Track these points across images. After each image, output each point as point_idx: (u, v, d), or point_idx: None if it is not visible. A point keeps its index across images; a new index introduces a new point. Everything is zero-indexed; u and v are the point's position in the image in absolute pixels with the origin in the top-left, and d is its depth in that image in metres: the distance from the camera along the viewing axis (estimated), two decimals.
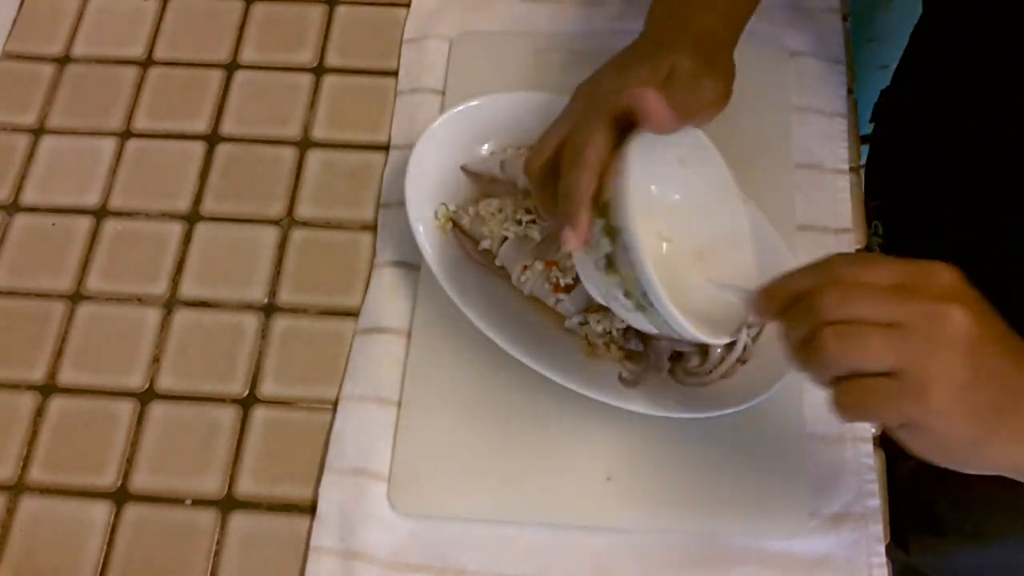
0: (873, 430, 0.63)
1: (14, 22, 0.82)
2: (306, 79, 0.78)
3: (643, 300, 0.49)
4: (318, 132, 0.76)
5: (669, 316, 0.49)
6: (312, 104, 0.77)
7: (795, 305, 0.45)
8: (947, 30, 0.69)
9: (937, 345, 0.42)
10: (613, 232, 0.49)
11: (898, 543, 0.78)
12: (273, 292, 0.70)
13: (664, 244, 0.59)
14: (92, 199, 0.74)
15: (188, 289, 0.70)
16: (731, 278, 0.55)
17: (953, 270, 0.44)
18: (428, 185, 0.67)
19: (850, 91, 0.75)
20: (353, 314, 0.68)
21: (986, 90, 0.64)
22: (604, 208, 0.49)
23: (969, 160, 0.68)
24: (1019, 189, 0.61)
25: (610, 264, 0.50)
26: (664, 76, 0.53)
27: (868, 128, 0.82)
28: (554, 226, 0.53)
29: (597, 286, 0.52)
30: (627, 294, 0.50)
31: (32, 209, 0.74)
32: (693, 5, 0.59)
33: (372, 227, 0.71)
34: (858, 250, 0.69)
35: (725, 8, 0.60)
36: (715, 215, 0.58)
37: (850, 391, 0.44)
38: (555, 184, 0.52)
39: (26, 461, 0.65)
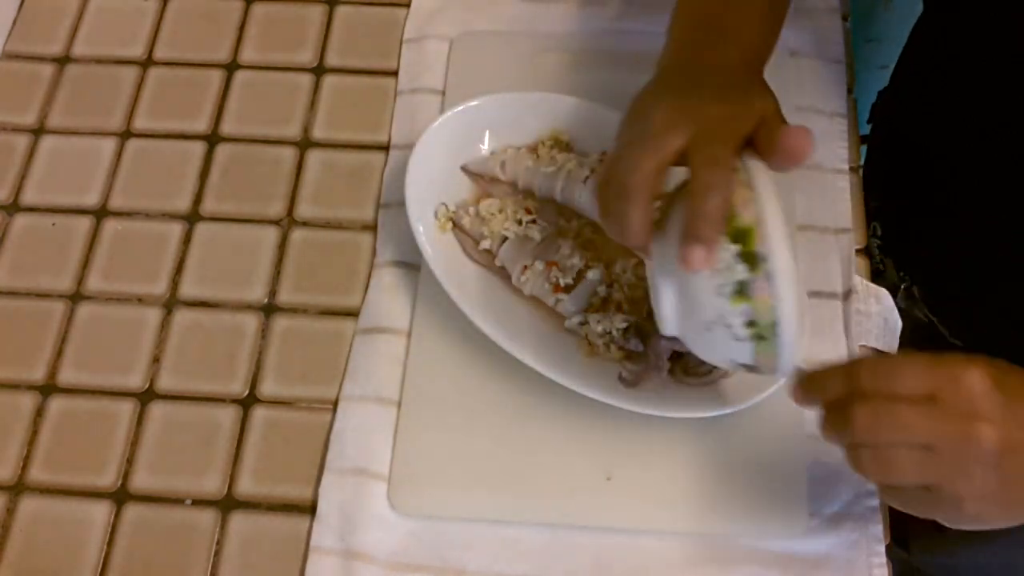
0: None
1: (14, 22, 0.82)
2: (306, 79, 0.78)
3: (767, 331, 0.49)
4: (318, 132, 0.76)
5: (788, 352, 0.49)
6: (312, 104, 0.77)
7: (831, 411, 0.48)
8: (947, 29, 0.69)
9: (967, 465, 0.45)
10: (754, 259, 0.48)
11: (899, 543, 0.78)
12: (273, 292, 0.70)
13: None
14: (92, 199, 0.74)
15: (188, 289, 0.70)
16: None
17: (982, 372, 0.45)
18: (428, 185, 0.67)
19: (850, 91, 0.75)
20: (353, 314, 0.68)
21: (986, 90, 0.64)
22: (741, 234, 0.48)
23: (968, 160, 0.68)
24: (1018, 189, 0.61)
25: (741, 291, 0.49)
26: (757, 117, 0.52)
27: (866, 129, 0.82)
28: (631, 241, 0.51)
29: (707, 311, 0.50)
30: (750, 323, 0.49)
31: (32, 209, 0.74)
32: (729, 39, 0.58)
33: (372, 227, 0.71)
34: (858, 251, 0.69)
35: (759, 34, 0.60)
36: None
37: (888, 495, 0.49)
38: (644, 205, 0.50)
39: (26, 461, 0.65)
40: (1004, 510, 0.47)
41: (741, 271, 0.48)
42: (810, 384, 0.50)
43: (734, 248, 0.48)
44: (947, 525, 0.48)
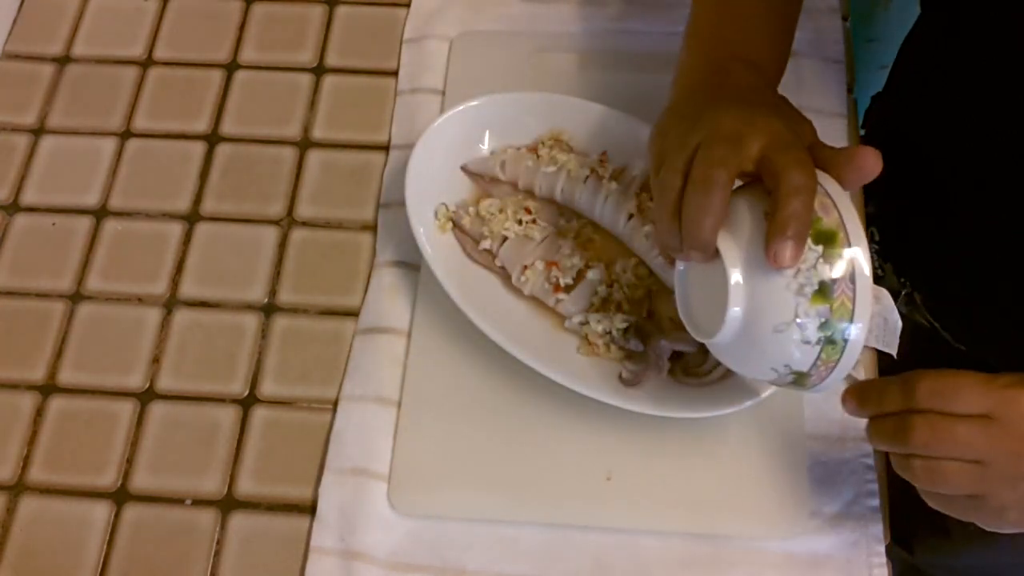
0: None
1: (14, 22, 0.82)
2: (306, 79, 0.78)
3: (838, 335, 0.50)
4: (318, 132, 0.76)
5: (852, 359, 0.50)
6: (312, 104, 0.77)
7: (885, 423, 0.51)
8: (944, 31, 0.69)
9: (1017, 480, 0.48)
10: (839, 260, 0.49)
11: (901, 543, 0.78)
12: (273, 292, 0.70)
13: None
14: (92, 199, 0.74)
15: (188, 289, 0.70)
16: None
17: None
18: (428, 185, 0.67)
19: (850, 91, 0.75)
20: (353, 314, 0.68)
21: (983, 90, 0.64)
22: (825, 236, 0.49)
23: (966, 161, 0.68)
24: (1016, 190, 0.61)
25: (822, 291, 0.49)
26: (813, 132, 0.54)
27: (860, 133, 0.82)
28: (700, 237, 0.50)
29: (783, 312, 0.50)
30: (824, 324, 0.49)
31: (32, 209, 0.74)
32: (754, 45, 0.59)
33: (372, 227, 0.71)
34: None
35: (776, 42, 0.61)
36: None
37: (933, 500, 0.51)
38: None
39: (26, 461, 0.65)
40: None
41: (826, 271, 0.49)
42: (866, 395, 0.52)
43: (819, 249, 0.49)
44: (985, 528, 0.51)
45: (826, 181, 0.50)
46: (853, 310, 0.49)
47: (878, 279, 0.75)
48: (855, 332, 0.49)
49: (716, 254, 0.50)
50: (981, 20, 0.62)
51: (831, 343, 0.50)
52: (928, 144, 0.72)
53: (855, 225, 0.49)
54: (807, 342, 0.50)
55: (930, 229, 0.72)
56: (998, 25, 0.60)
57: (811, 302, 0.49)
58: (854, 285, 0.49)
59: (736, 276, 0.50)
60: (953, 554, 0.84)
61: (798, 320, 0.49)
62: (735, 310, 0.50)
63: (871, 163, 0.50)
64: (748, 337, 0.51)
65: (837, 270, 0.49)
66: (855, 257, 0.49)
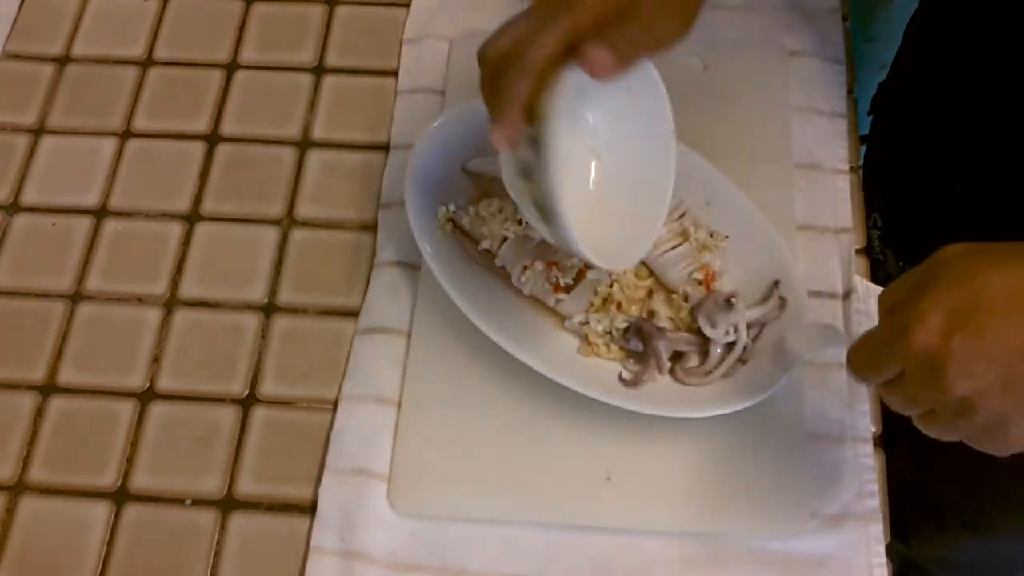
0: (873, 429, 0.64)
1: (14, 22, 0.82)
2: (306, 79, 0.78)
3: (549, 214, 0.52)
4: (318, 132, 0.76)
5: (565, 230, 0.51)
6: (312, 104, 0.77)
7: (889, 386, 0.48)
8: (943, 23, 0.69)
9: (964, 420, 0.45)
10: (535, 143, 0.50)
11: (899, 537, 0.78)
12: (273, 292, 0.70)
13: (593, 163, 0.60)
14: (92, 199, 0.74)
15: (188, 289, 0.70)
16: (638, 214, 0.59)
17: (918, 332, 0.44)
18: (428, 185, 0.67)
19: (850, 91, 0.75)
20: (353, 314, 0.68)
21: (984, 82, 0.64)
22: (533, 117, 0.50)
23: (967, 152, 0.68)
24: (1016, 178, 0.61)
25: (527, 173, 0.52)
26: (625, 4, 0.51)
27: (867, 121, 0.82)
28: (504, 118, 0.52)
29: (514, 191, 0.54)
30: (537, 204, 0.52)
31: (32, 209, 0.74)
32: None
33: (372, 227, 0.71)
34: (858, 251, 0.69)
35: None
36: (650, 149, 0.58)
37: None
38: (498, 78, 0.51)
39: (26, 461, 0.65)
40: None
41: (528, 154, 0.51)
42: (866, 368, 0.50)
43: (529, 131, 0.51)
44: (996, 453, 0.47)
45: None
46: (547, 188, 0.51)
47: (878, 264, 0.75)
48: (554, 210, 0.51)
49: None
50: (977, 12, 0.62)
51: (549, 222, 0.52)
52: (928, 134, 0.72)
53: (562, 102, 0.49)
54: (537, 221, 0.54)
55: (931, 217, 0.72)
56: (996, 15, 0.60)
57: (523, 182, 0.53)
58: (542, 162, 0.50)
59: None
60: (950, 547, 0.84)
61: (523, 201, 0.54)
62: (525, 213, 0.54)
63: (595, 62, 0.49)
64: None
65: (536, 152, 0.50)
66: (544, 137, 0.50)
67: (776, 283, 0.63)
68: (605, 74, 0.50)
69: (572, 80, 0.50)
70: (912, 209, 0.74)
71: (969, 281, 0.43)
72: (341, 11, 0.81)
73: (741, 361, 0.62)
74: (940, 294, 0.44)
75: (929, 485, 0.81)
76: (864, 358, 0.48)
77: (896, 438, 0.64)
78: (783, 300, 0.62)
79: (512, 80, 0.49)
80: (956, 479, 0.81)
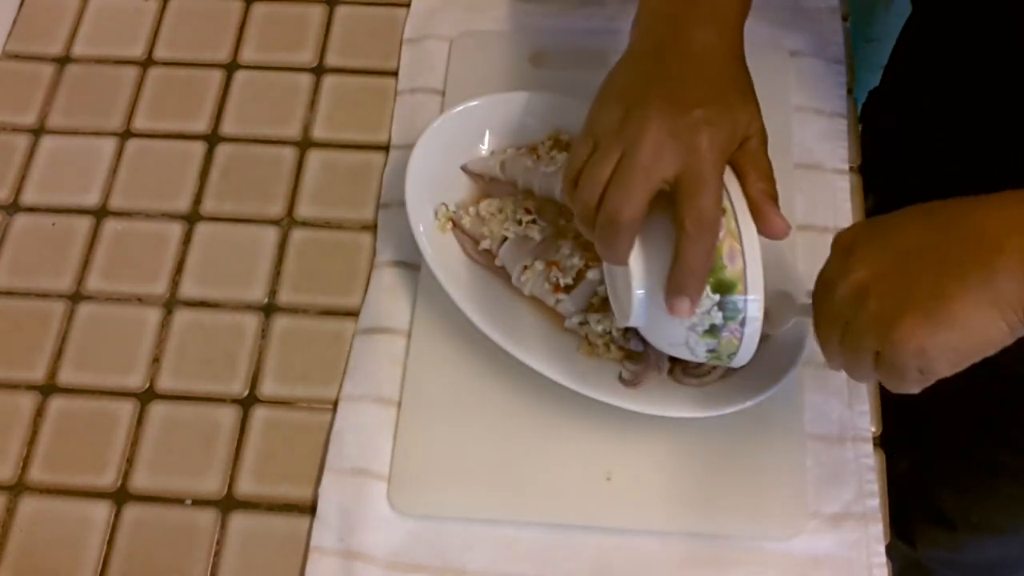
0: (873, 429, 0.64)
1: (14, 22, 0.82)
2: (306, 79, 0.78)
3: (725, 361, 0.55)
4: (318, 132, 0.76)
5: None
6: (312, 104, 0.77)
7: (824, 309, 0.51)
8: (937, 28, 0.69)
9: (861, 312, 0.47)
10: (734, 311, 0.52)
11: (903, 537, 0.78)
12: (273, 292, 0.70)
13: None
14: (92, 199, 0.74)
15: (188, 289, 0.70)
16: None
17: (838, 235, 0.50)
18: (428, 185, 0.67)
19: (850, 91, 0.75)
20: (353, 314, 0.68)
21: (976, 86, 0.64)
22: (724, 285, 0.51)
23: (959, 156, 0.68)
24: (1009, 185, 0.61)
25: (712, 331, 0.53)
26: (741, 137, 0.53)
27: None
28: (613, 263, 0.54)
29: (676, 335, 0.54)
30: (711, 352, 0.54)
31: (32, 209, 0.74)
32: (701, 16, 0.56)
33: (372, 227, 0.71)
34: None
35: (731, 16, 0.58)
36: None
37: (884, 384, 0.50)
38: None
39: (26, 461, 0.65)
40: (935, 324, 0.45)
41: (718, 317, 0.52)
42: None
43: (715, 297, 0.52)
44: (935, 376, 0.47)
45: (742, 215, 0.52)
46: (739, 347, 0.53)
47: None
48: (738, 361, 0.54)
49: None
50: (972, 16, 0.62)
51: (718, 358, 0.55)
52: (922, 139, 0.72)
53: (756, 271, 0.51)
54: (696, 356, 0.55)
55: None
56: (989, 22, 0.60)
57: (700, 337, 0.53)
58: (743, 329, 0.52)
59: (639, 291, 0.53)
60: (956, 547, 0.84)
61: (689, 345, 0.54)
62: (637, 317, 0.54)
63: (777, 232, 0.52)
64: (651, 335, 0.56)
65: (729, 316, 0.52)
66: (749, 306, 0.51)
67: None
68: (785, 236, 0.53)
69: (755, 242, 0.52)
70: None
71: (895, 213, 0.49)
72: (341, 11, 0.81)
73: None
74: (864, 221, 0.49)
75: (935, 488, 0.81)
76: (817, 281, 0.52)
77: (896, 439, 0.64)
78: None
79: (702, 256, 0.50)
80: (959, 478, 0.81)
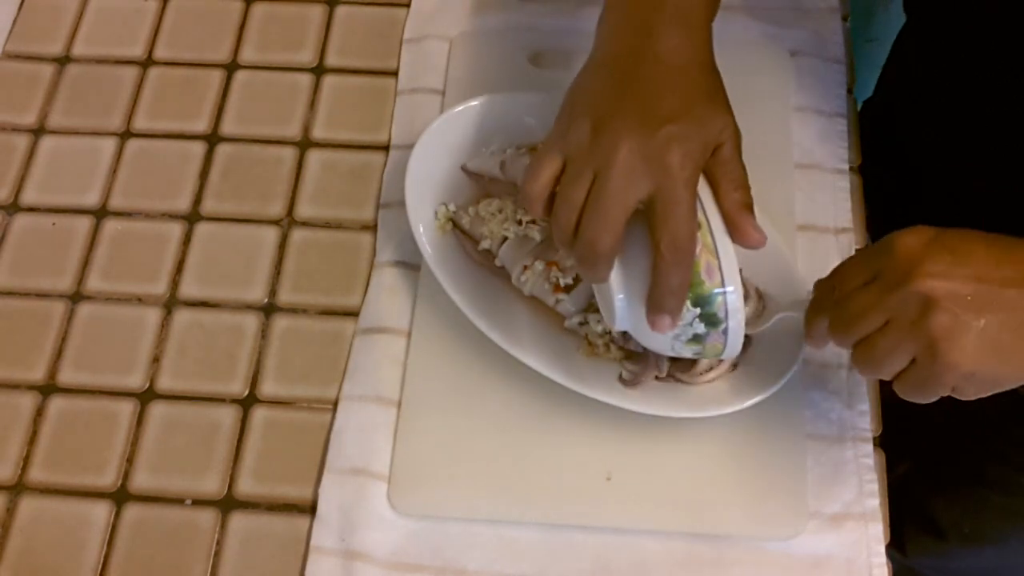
0: (873, 429, 0.64)
1: (14, 22, 0.82)
2: (306, 79, 0.78)
3: (712, 356, 0.57)
4: (318, 132, 0.76)
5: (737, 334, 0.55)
6: (312, 104, 0.77)
7: (851, 296, 0.50)
8: (929, 38, 0.69)
9: (925, 323, 0.46)
10: (715, 321, 0.53)
11: (894, 545, 0.78)
12: (273, 292, 0.70)
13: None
14: (92, 199, 0.74)
15: (188, 289, 0.70)
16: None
17: (914, 234, 0.48)
18: (428, 185, 0.67)
19: (850, 91, 0.75)
20: (353, 314, 0.68)
21: (969, 96, 0.64)
22: (704, 300, 0.52)
23: (953, 165, 0.68)
24: (1001, 192, 0.61)
25: (696, 340, 0.54)
26: (713, 146, 0.52)
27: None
28: (594, 282, 0.54)
29: (661, 344, 0.56)
30: (697, 354, 0.56)
31: (32, 209, 0.74)
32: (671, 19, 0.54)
33: (372, 227, 0.71)
34: (858, 251, 0.69)
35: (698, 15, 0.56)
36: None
37: (897, 385, 0.50)
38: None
39: (26, 461, 0.65)
40: (993, 357, 0.46)
41: (700, 327, 0.53)
42: (811, 330, 0.54)
43: (696, 311, 0.53)
44: (960, 397, 0.48)
45: (718, 229, 0.52)
46: (724, 350, 0.55)
47: None
48: (726, 356, 0.56)
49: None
50: (964, 27, 0.62)
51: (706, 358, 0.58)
52: (916, 149, 0.72)
53: (734, 284, 0.52)
54: (684, 354, 0.56)
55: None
56: (981, 32, 0.60)
57: (685, 344, 0.55)
58: (726, 336, 0.54)
59: (620, 297, 0.54)
60: (946, 556, 0.84)
61: (675, 351, 0.56)
62: (622, 321, 0.55)
63: (752, 243, 0.52)
64: (639, 338, 0.57)
65: (712, 327, 0.53)
66: (730, 315, 0.52)
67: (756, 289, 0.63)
68: (761, 246, 0.53)
69: (732, 257, 0.53)
70: (900, 224, 0.74)
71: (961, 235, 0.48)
72: (341, 11, 0.81)
73: (734, 365, 0.62)
74: (925, 230, 0.48)
75: (924, 495, 0.81)
76: (848, 265, 0.51)
77: (895, 448, 0.64)
78: (763, 304, 0.63)
79: (683, 278, 0.51)
80: (951, 488, 0.81)
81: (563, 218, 0.52)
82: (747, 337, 0.56)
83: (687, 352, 0.56)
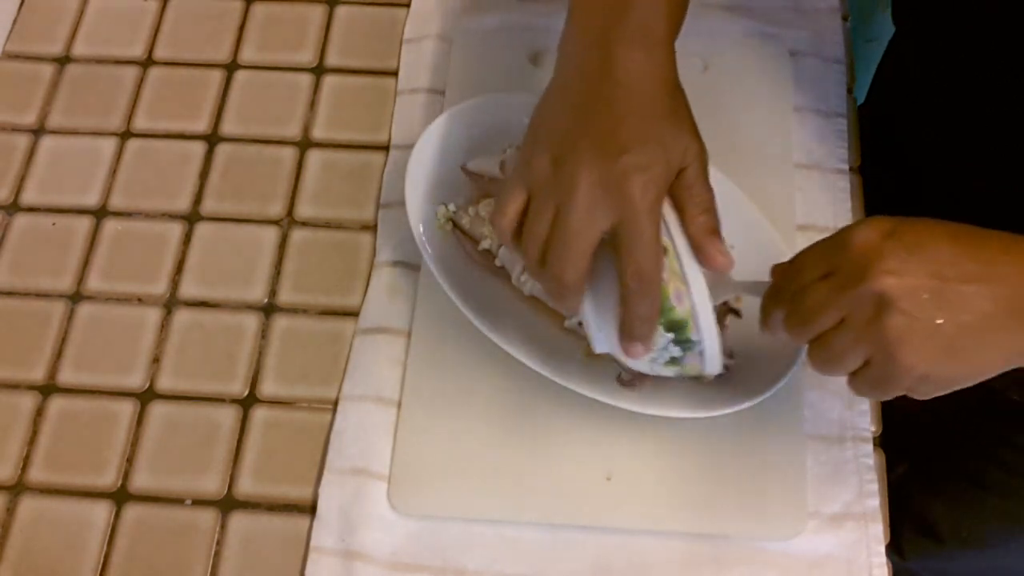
0: (873, 429, 0.64)
1: (14, 22, 0.82)
2: (306, 79, 0.78)
3: (692, 374, 0.57)
4: (318, 132, 0.76)
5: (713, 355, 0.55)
6: (312, 104, 0.77)
7: (803, 292, 0.49)
8: (918, 46, 0.69)
9: (880, 320, 0.45)
10: (688, 344, 0.53)
11: (893, 548, 0.78)
12: (273, 292, 0.70)
13: None
14: (92, 199, 0.74)
15: (188, 289, 0.70)
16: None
17: (870, 227, 0.47)
18: (428, 185, 0.67)
19: (850, 91, 0.75)
20: (353, 314, 0.68)
21: (959, 103, 0.64)
22: (676, 325, 0.52)
23: (947, 170, 0.68)
24: (995, 196, 0.61)
25: (673, 362, 0.55)
26: (676, 170, 0.52)
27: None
28: (559, 298, 0.53)
29: (640, 365, 0.56)
30: (677, 373, 0.57)
31: (32, 209, 0.74)
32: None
33: (372, 227, 0.71)
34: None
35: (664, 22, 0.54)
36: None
37: (852, 383, 0.49)
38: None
39: (26, 461, 0.65)
40: (949, 358, 0.45)
41: (676, 351, 0.54)
42: (767, 319, 0.52)
43: (669, 336, 0.53)
44: (916, 397, 0.48)
45: (684, 254, 0.52)
46: (702, 369, 0.55)
47: None
48: (708, 372, 0.56)
49: None
50: (955, 34, 0.62)
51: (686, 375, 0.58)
52: (916, 149, 0.73)
53: (704, 306, 0.52)
54: (662, 373, 0.57)
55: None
56: (973, 37, 0.60)
57: (663, 366, 0.55)
58: (703, 357, 0.54)
59: (594, 330, 0.54)
60: (943, 559, 0.84)
61: (653, 370, 0.56)
62: (600, 344, 0.55)
63: (719, 268, 0.52)
64: (618, 358, 0.56)
65: (686, 349, 0.53)
66: (703, 339, 0.52)
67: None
68: (728, 270, 0.52)
69: (698, 276, 0.52)
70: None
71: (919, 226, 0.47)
72: (341, 11, 0.81)
73: (726, 367, 0.62)
74: (882, 221, 0.46)
75: (922, 498, 0.81)
76: (806, 256, 0.50)
77: (894, 449, 0.64)
78: (734, 311, 0.63)
79: (651, 306, 0.51)
80: (948, 491, 0.81)
81: (529, 252, 0.52)
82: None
83: (668, 372, 0.56)
